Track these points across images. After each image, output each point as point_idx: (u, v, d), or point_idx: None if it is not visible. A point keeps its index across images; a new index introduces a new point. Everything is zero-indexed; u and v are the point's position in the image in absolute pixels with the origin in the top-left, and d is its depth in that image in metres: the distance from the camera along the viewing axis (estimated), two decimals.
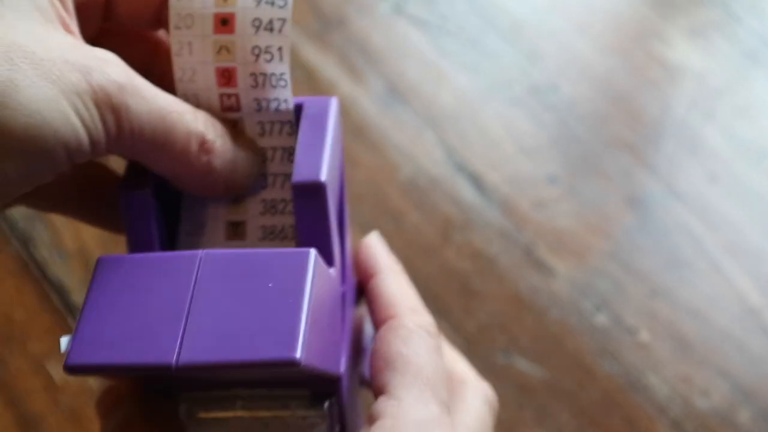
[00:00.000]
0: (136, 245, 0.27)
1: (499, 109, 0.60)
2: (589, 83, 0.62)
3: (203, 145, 0.26)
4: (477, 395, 0.31)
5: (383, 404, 0.26)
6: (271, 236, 0.29)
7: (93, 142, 0.24)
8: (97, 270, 0.25)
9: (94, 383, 0.48)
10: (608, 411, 0.48)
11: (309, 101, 0.28)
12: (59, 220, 0.53)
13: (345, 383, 0.28)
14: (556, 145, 0.58)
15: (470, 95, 0.60)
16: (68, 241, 0.52)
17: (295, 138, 0.28)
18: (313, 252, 0.25)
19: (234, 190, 0.28)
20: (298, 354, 0.23)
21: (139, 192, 0.27)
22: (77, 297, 0.50)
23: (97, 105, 0.23)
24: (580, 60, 0.63)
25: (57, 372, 0.48)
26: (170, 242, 0.29)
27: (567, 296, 0.52)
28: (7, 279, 0.51)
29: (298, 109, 0.28)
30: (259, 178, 0.29)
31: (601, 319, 0.51)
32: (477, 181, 0.56)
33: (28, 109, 0.22)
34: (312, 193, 0.26)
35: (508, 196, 0.56)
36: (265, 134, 0.28)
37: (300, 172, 0.27)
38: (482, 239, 0.54)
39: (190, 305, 0.24)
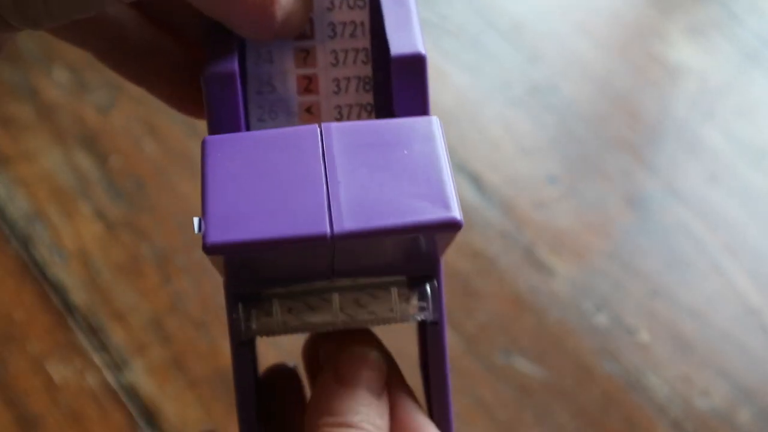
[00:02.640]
0: (220, 122, 0.26)
1: (499, 109, 0.60)
2: (589, 83, 0.62)
3: None
4: None
5: None
6: (347, 116, 0.28)
7: None
8: (208, 149, 0.23)
9: (95, 383, 0.48)
10: (608, 411, 0.48)
11: None
12: (59, 220, 0.53)
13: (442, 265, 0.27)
14: (556, 145, 0.58)
15: (470, 95, 0.60)
16: (68, 241, 0.52)
17: (366, 12, 0.27)
18: (436, 118, 0.24)
19: (288, 33, 0.26)
20: (458, 215, 0.22)
21: (226, 73, 0.25)
22: (77, 297, 0.50)
23: None
24: (580, 60, 0.63)
25: (57, 372, 0.48)
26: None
27: (567, 296, 0.52)
28: (7, 279, 0.51)
29: None
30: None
31: (601, 319, 0.51)
32: (477, 181, 0.56)
33: None
34: (414, 67, 0.25)
35: (508, 196, 0.56)
36: (334, 8, 0.27)
37: (398, 46, 0.25)
38: (482, 239, 0.54)
39: (326, 176, 0.23)
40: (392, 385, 0.27)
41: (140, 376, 0.48)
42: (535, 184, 0.56)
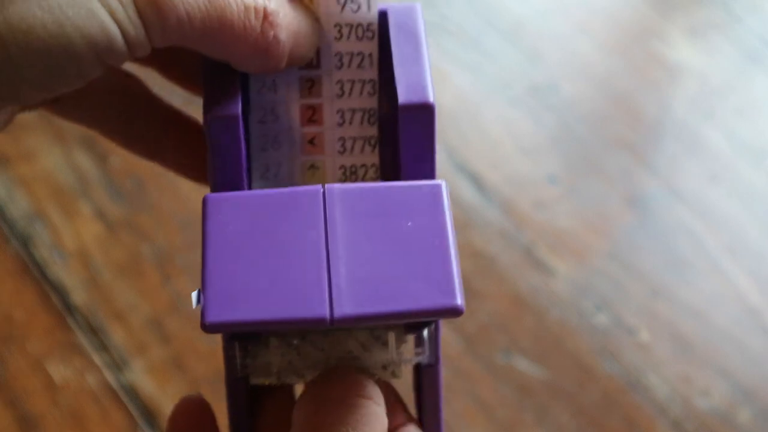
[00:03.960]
0: (224, 175, 0.25)
1: (499, 109, 0.60)
2: (589, 83, 0.62)
3: (267, 18, 0.23)
4: None
5: None
6: (351, 149, 0.27)
7: (129, 41, 0.21)
8: (209, 211, 0.23)
9: (95, 383, 0.48)
10: (608, 411, 0.48)
11: (391, 8, 0.26)
12: (59, 220, 0.53)
13: None
14: (556, 145, 0.58)
15: (470, 95, 0.60)
16: (68, 241, 0.52)
17: (375, 44, 0.26)
18: (443, 184, 0.23)
19: (298, 61, 0.26)
20: (459, 301, 0.22)
21: (229, 116, 0.25)
22: (77, 297, 0.50)
23: None
24: (580, 60, 0.63)
25: (57, 372, 0.48)
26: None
27: (567, 296, 0.52)
28: (7, 279, 0.51)
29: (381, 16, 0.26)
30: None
31: (601, 319, 0.51)
32: (477, 181, 0.56)
33: (50, 6, 0.20)
34: (421, 116, 0.25)
35: (508, 196, 0.56)
36: (342, 38, 0.26)
37: (406, 92, 0.24)
38: (482, 239, 0.54)
39: (327, 249, 0.22)
40: (397, 414, 0.27)
41: (140, 376, 0.48)
42: (535, 184, 0.56)
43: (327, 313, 0.22)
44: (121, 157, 0.56)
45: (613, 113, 0.60)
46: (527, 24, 0.64)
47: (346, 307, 0.22)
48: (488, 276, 0.52)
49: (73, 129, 0.57)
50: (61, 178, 0.55)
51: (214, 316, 0.22)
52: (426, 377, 0.27)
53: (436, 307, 0.22)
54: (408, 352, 0.26)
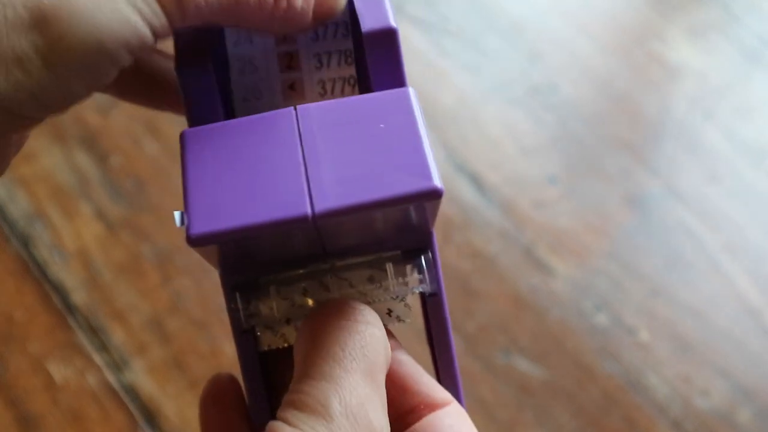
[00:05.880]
0: (199, 114, 0.26)
1: (499, 109, 0.60)
2: (589, 83, 0.62)
3: None
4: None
5: None
6: (331, 91, 0.28)
7: (155, 32, 0.23)
8: (187, 142, 0.24)
9: (95, 383, 0.48)
10: (608, 411, 0.48)
11: None
12: (59, 220, 0.53)
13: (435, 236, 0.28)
14: (556, 145, 0.58)
15: (470, 95, 0.60)
16: (68, 241, 0.52)
17: None
18: (411, 90, 0.24)
19: (328, 17, 0.27)
20: (437, 183, 0.22)
21: (198, 67, 0.26)
22: (77, 297, 0.50)
23: None
24: (580, 60, 0.63)
25: (57, 372, 0.48)
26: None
27: (567, 296, 0.52)
28: (7, 279, 0.51)
29: None
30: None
31: (601, 319, 0.51)
32: (477, 181, 0.56)
33: (83, 17, 0.22)
34: (385, 40, 0.25)
35: (508, 196, 0.56)
36: None
37: (368, 21, 0.26)
38: (482, 239, 0.54)
39: (303, 157, 0.23)
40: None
41: (140, 376, 0.48)
42: (535, 184, 0.56)
43: (308, 210, 0.22)
44: (121, 157, 0.56)
45: (613, 113, 0.60)
46: (527, 24, 0.64)
47: (326, 202, 0.22)
48: (488, 276, 0.52)
49: (73, 129, 0.57)
50: (61, 178, 0.55)
51: (199, 228, 0.22)
52: (431, 307, 0.28)
53: (416, 191, 0.22)
54: (409, 282, 0.26)
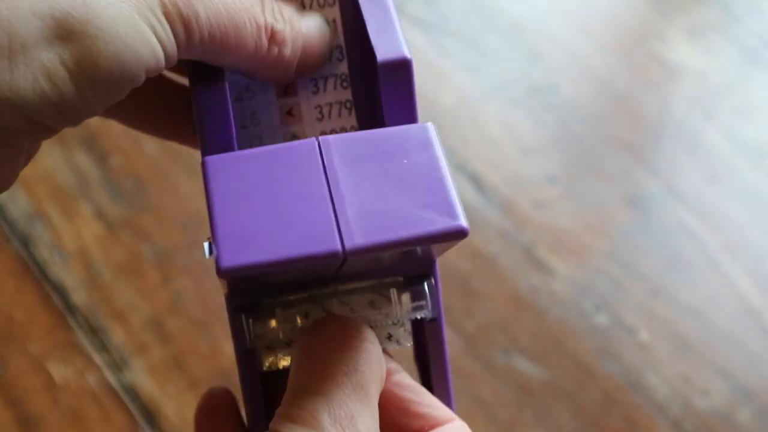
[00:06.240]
0: (214, 142, 0.26)
1: (499, 109, 0.60)
2: (589, 83, 0.62)
3: (273, 37, 0.25)
4: None
5: None
6: (328, 115, 0.28)
7: (167, 56, 0.23)
8: (209, 170, 0.23)
9: (95, 383, 0.48)
10: (608, 411, 0.48)
11: None
12: (59, 220, 0.53)
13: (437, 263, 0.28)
14: (556, 145, 0.58)
15: (470, 95, 0.60)
16: (68, 241, 0.52)
17: (336, 10, 0.28)
18: (431, 125, 0.24)
19: (308, 71, 0.27)
20: (464, 222, 0.22)
21: (214, 86, 0.26)
22: (77, 297, 0.50)
23: (168, 17, 0.23)
24: (580, 60, 0.63)
25: (57, 372, 0.48)
26: None
27: (567, 296, 0.52)
28: (7, 279, 0.51)
29: None
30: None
31: (601, 319, 0.51)
32: (477, 181, 0.56)
33: (109, 34, 0.22)
34: (399, 71, 0.26)
35: (508, 196, 0.56)
36: (305, 7, 0.28)
37: (383, 50, 0.26)
38: (482, 239, 0.54)
39: (330, 190, 0.23)
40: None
41: (140, 376, 0.48)
42: (535, 184, 0.56)
43: (339, 246, 0.22)
44: (121, 157, 0.56)
45: (613, 113, 0.60)
46: (527, 24, 0.64)
47: (356, 239, 0.22)
48: (488, 276, 0.53)
49: (73, 129, 0.57)
50: (61, 178, 0.55)
51: (228, 261, 0.22)
52: (430, 332, 0.28)
53: (443, 230, 0.22)
54: (411, 307, 0.27)
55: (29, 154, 0.25)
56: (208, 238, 0.23)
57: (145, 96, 0.29)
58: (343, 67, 0.28)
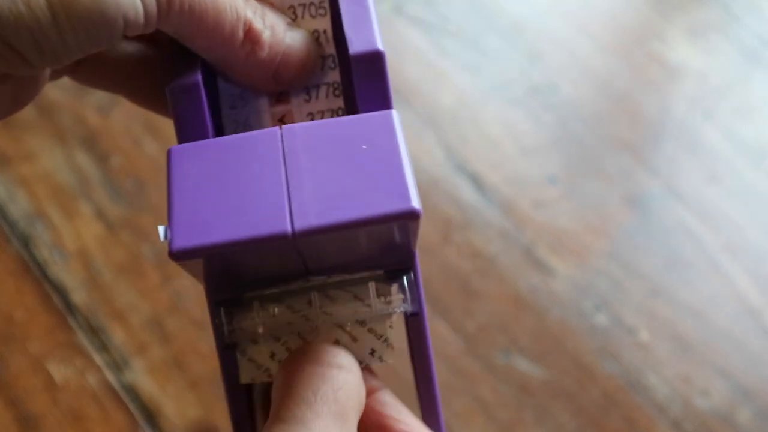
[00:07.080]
0: (188, 134, 0.27)
1: (499, 109, 0.60)
2: (589, 83, 0.62)
3: (248, 34, 0.26)
4: None
5: None
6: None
7: (147, 14, 0.24)
8: (173, 158, 0.24)
9: (95, 383, 0.48)
10: (608, 411, 0.48)
11: None
12: (59, 220, 0.53)
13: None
14: (556, 145, 0.58)
15: (470, 95, 0.60)
16: (68, 241, 0.52)
17: (328, 20, 0.28)
18: (394, 112, 0.25)
19: (283, 85, 0.28)
20: (416, 204, 0.23)
21: (188, 80, 0.26)
22: (77, 297, 0.50)
23: None
24: (580, 60, 0.63)
25: (57, 372, 0.48)
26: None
27: (567, 296, 0.52)
28: (7, 279, 0.51)
29: None
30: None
31: (601, 319, 0.51)
32: (477, 181, 0.56)
33: None
34: (373, 63, 0.26)
35: (508, 196, 0.56)
36: (297, 19, 0.28)
37: (356, 44, 0.26)
38: (482, 239, 0.54)
39: (287, 176, 0.23)
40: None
41: (140, 376, 0.48)
42: (535, 184, 0.56)
43: (288, 227, 0.22)
44: (121, 157, 0.56)
45: (613, 113, 0.60)
46: (527, 24, 0.64)
47: (306, 220, 0.22)
48: (488, 276, 0.53)
49: (73, 129, 0.57)
50: (61, 178, 0.55)
51: (180, 243, 0.22)
52: (412, 327, 0.28)
53: (394, 211, 0.23)
54: (390, 302, 0.27)
55: (16, 99, 0.26)
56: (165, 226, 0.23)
57: (155, 76, 0.29)
58: (335, 76, 0.28)
